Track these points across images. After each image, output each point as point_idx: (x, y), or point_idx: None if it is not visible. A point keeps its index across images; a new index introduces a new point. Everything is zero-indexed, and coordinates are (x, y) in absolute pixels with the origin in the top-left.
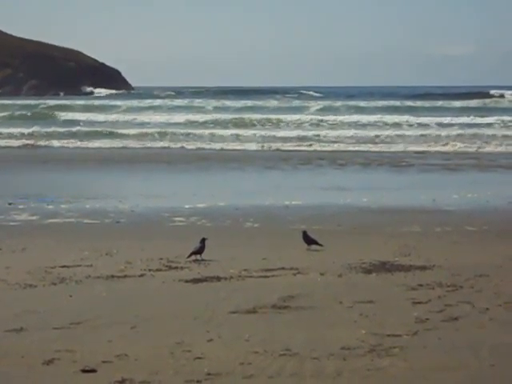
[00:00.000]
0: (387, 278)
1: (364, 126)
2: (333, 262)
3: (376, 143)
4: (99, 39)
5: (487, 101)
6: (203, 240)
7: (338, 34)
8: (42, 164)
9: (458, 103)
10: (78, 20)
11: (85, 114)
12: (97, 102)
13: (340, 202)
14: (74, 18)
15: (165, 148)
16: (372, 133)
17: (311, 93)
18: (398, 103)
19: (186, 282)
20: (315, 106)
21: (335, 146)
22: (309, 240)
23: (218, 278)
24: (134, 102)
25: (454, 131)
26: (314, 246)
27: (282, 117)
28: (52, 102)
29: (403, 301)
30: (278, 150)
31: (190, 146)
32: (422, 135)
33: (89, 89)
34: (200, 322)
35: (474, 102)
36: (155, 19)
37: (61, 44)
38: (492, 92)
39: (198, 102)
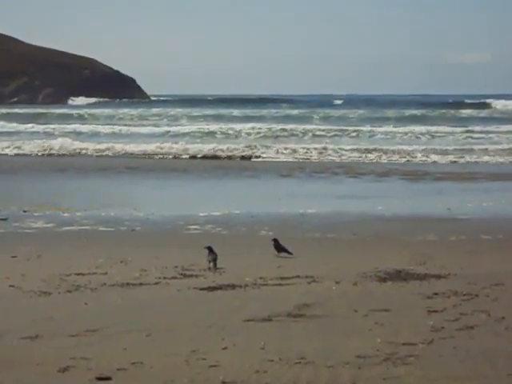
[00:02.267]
0: (402, 287)
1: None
2: (348, 270)
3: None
4: (114, 47)
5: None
6: (210, 248)
7: (352, 42)
8: (59, 172)
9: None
10: (93, 28)
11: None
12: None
13: (355, 210)
14: (89, 26)
15: (178, 157)
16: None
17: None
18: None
19: (201, 289)
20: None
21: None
22: (279, 248)
23: (233, 286)
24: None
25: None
26: (283, 254)
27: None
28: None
29: (418, 309)
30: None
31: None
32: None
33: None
34: (215, 329)
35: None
36: (170, 28)
37: (76, 52)
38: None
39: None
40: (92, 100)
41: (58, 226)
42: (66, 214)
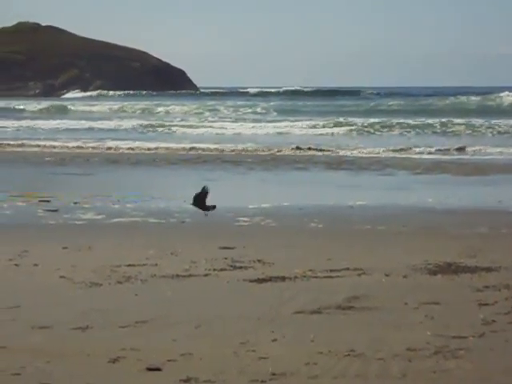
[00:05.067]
0: (453, 280)
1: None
2: (398, 262)
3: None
4: (164, 39)
5: None
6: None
7: (397, 34)
8: (110, 164)
9: None
10: (142, 19)
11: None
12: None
13: (405, 202)
14: (139, 18)
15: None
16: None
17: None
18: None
19: (251, 281)
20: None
21: None
22: (203, 206)
23: (283, 278)
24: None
25: None
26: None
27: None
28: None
29: (469, 302)
30: None
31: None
32: None
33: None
34: (264, 321)
35: None
36: (221, 18)
37: (126, 44)
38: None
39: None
40: (87, 93)
41: (108, 217)
42: (116, 206)
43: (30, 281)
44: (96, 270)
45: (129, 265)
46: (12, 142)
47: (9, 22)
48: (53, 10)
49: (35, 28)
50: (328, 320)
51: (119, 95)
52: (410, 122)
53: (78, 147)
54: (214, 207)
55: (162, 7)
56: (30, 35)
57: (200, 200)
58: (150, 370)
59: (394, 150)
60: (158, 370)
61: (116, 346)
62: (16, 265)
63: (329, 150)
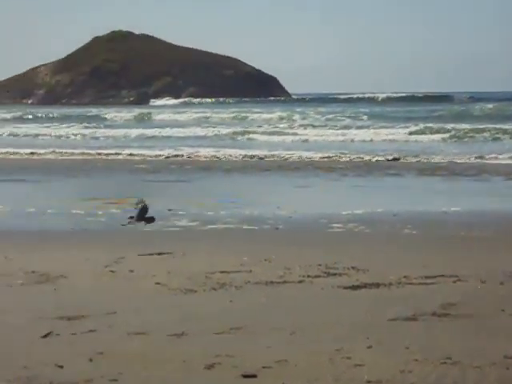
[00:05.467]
0: None
1: None
2: (494, 269)
3: None
4: (256, 46)
5: None
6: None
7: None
8: (202, 171)
9: None
10: (234, 27)
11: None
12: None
13: (500, 208)
14: (231, 26)
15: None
16: None
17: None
18: None
19: (345, 288)
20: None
21: None
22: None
23: (377, 285)
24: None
25: None
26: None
27: None
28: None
29: None
30: None
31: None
32: None
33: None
34: (359, 328)
35: None
36: (312, 27)
37: (218, 52)
38: None
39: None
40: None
41: (202, 224)
42: (210, 213)
43: (125, 287)
44: (191, 277)
45: (223, 271)
46: (104, 151)
47: (102, 31)
48: (146, 19)
49: (128, 36)
50: (423, 327)
51: (209, 102)
52: (505, 126)
53: (169, 154)
54: (152, 219)
55: (252, 16)
56: (123, 44)
57: (141, 215)
58: (245, 376)
59: (487, 156)
60: (254, 376)
61: (211, 353)
62: (112, 271)
63: (421, 156)
